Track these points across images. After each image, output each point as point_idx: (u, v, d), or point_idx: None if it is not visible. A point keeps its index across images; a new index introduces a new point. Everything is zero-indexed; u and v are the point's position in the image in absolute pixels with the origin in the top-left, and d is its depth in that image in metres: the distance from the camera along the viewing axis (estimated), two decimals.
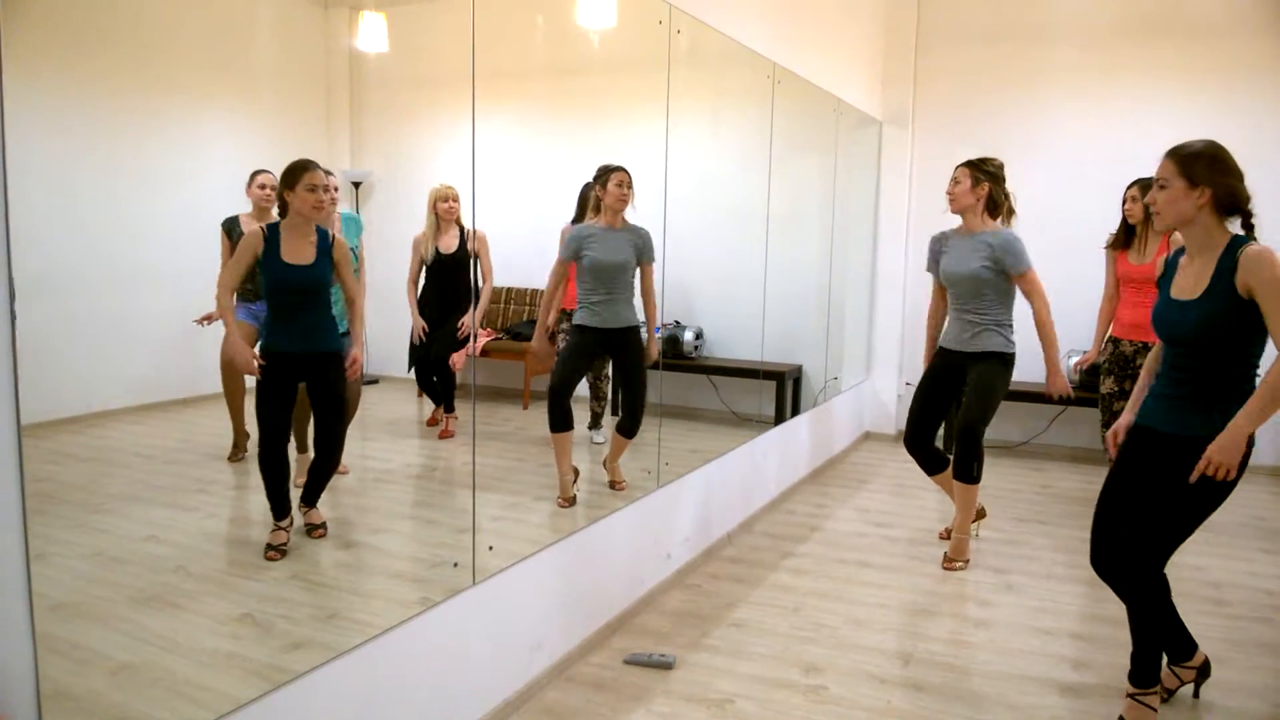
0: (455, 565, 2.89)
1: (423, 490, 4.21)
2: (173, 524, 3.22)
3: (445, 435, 4.39)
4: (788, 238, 5.67)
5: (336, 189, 3.48)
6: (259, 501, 3.16)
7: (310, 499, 3.26)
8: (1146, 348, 4.71)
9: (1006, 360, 4.26)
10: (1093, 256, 5.28)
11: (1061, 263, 5.95)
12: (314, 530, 3.26)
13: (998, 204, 4.28)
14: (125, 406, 3.14)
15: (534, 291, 5.57)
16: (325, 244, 3.11)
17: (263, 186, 3.28)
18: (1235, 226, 2.67)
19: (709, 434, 5.71)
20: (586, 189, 4.70)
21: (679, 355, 5.91)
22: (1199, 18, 6.12)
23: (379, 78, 4.35)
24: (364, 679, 2.45)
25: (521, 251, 5.36)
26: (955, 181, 4.27)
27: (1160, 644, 2.89)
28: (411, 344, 4.35)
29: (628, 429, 4.22)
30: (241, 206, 3.29)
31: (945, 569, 4.29)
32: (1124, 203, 4.80)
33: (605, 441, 4.97)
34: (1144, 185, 4.65)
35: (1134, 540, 2.76)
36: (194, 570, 2.99)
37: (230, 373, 3.27)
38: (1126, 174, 4.91)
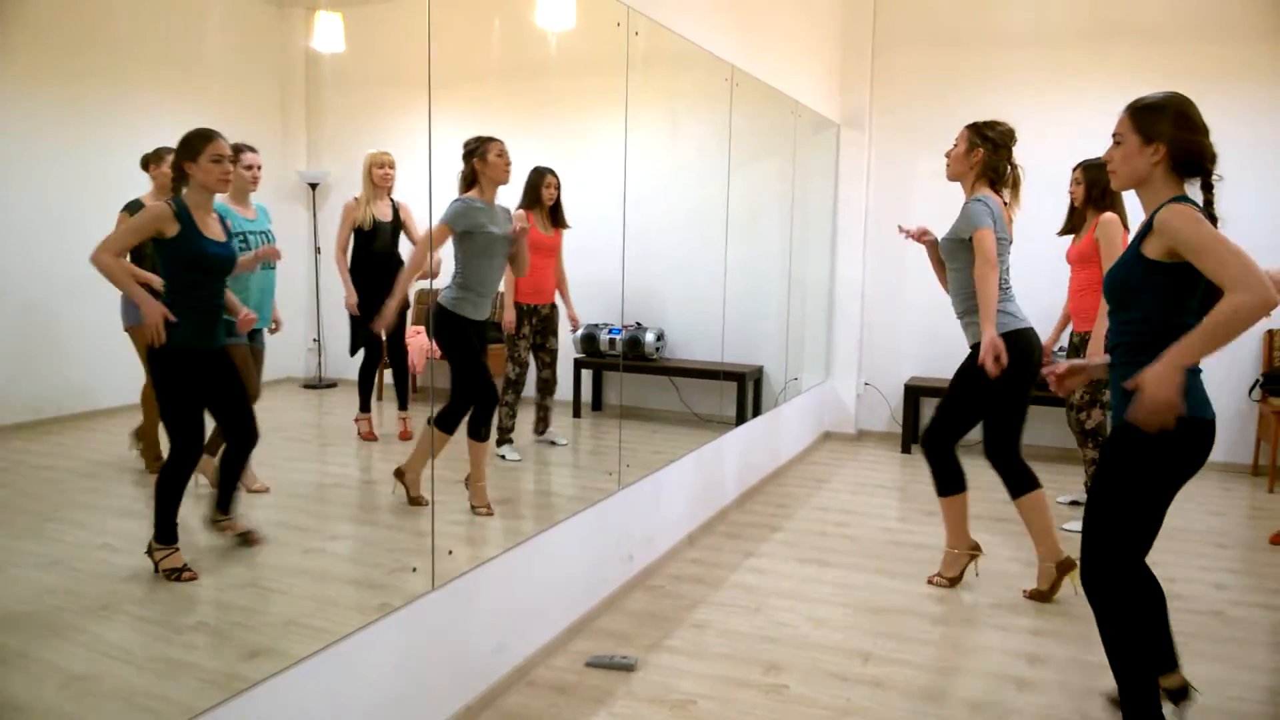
0: (414, 570, 2.87)
1: (382, 495, 4.18)
2: (127, 532, 3.17)
3: (405, 436, 4.35)
4: (747, 239, 5.71)
5: (260, 166, 3.35)
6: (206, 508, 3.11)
7: (226, 505, 3.03)
8: (1087, 338, 4.76)
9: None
10: (1047, 260, 5.37)
11: (1016, 265, 6.02)
12: (248, 537, 3.09)
13: (999, 174, 3.86)
14: (76, 413, 3.08)
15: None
16: (224, 223, 2.93)
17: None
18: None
19: (670, 435, 5.73)
20: (534, 174, 4.68)
21: (640, 356, 5.92)
22: (1151, 24, 6.24)
23: (335, 78, 4.31)
24: (322, 686, 2.43)
25: None
26: (955, 144, 3.90)
27: (1140, 672, 2.51)
28: (354, 320, 4.21)
29: (480, 432, 3.99)
30: None
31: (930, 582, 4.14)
32: (1070, 185, 4.85)
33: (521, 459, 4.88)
34: (1086, 167, 4.71)
35: (1085, 541, 2.55)
36: (149, 578, 2.94)
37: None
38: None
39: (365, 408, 4.28)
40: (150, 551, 2.81)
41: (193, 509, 3.04)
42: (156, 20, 3.18)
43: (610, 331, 5.73)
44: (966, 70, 6.75)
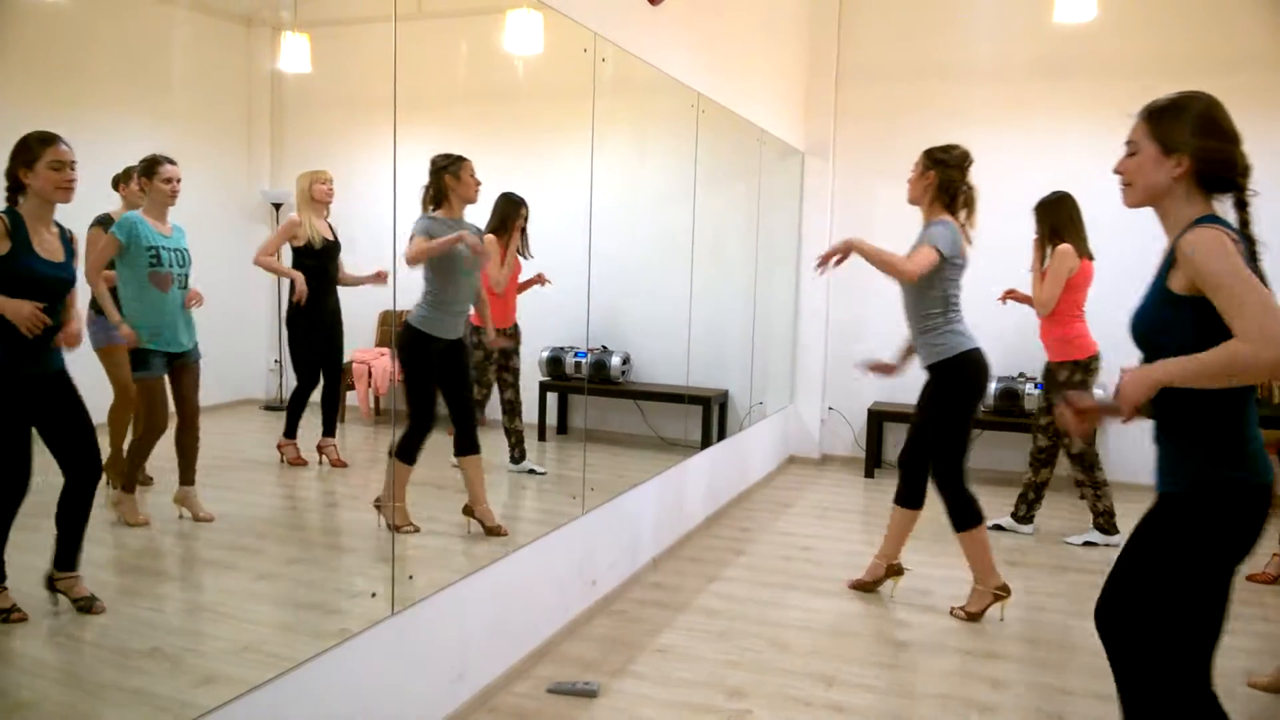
0: (374, 595, 2.83)
1: (342, 519, 4.13)
2: (82, 556, 3.10)
3: (338, 463, 4.25)
4: (713, 264, 5.74)
5: (179, 180, 3.19)
6: (166, 531, 3.06)
7: (70, 559, 2.65)
8: (1047, 367, 5.03)
9: (948, 368, 3.87)
10: (1000, 286, 5.49)
11: (974, 296, 6.09)
12: (90, 605, 2.69)
13: (954, 196, 3.91)
14: None
15: None
16: (68, 240, 2.69)
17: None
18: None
19: (635, 459, 5.72)
20: (507, 204, 4.66)
21: (606, 380, 5.91)
22: (1108, 60, 6.37)
23: (301, 99, 4.30)
24: (278, 713, 2.38)
25: None
26: (913, 169, 3.99)
27: None
28: (299, 335, 4.08)
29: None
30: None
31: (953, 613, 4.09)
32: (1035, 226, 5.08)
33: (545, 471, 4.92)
34: (1035, 207, 5.10)
35: (1129, 649, 2.13)
36: (99, 603, 2.88)
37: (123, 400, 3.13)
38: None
39: (291, 433, 4.15)
40: None
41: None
42: (121, 37, 3.16)
43: (576, 355, 5.73)
44: (928, 103, 6.85)
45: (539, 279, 4.87)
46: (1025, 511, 5.25)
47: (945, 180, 3.89)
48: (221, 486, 3.89)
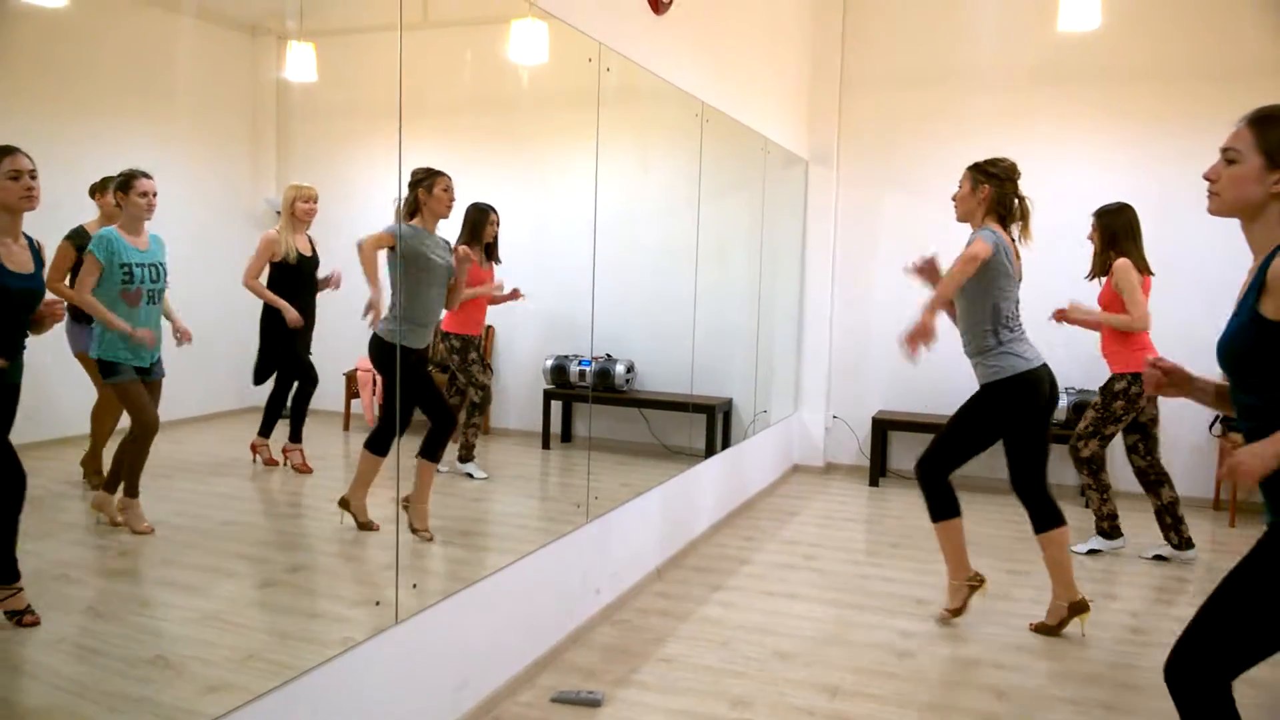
0: (377, 604, 2.83)
1: (344, 527, 4.13)
2: (81, 562, 3.11)
3: (304, 469, 4.19)
4: (717, 273, 5.74)
5: (155, 194, 3.17)
6: (169, 538, 3.06)
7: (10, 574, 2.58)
8: (1115, 380, 4.87)
9: (997, 390, 3.78)
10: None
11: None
12: (22, 617, 2.60)
13: (1008, 209, 3.81)
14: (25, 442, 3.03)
15: None
16: (36, 251, 2.63)
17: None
18: None
19: (639, 467, 5.71)
20: (476, 212, 4.67)
21: (610, 388, 5.91)
22: (1112, 68, 6.38)
23: (306, 107, 4.31)
24: None
25: None
26: (959, 186, 3.87)
27: None
28: (273, 346, 4.00)
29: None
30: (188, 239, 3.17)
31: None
32: (1089, 232, 4.96)
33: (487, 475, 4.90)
34: (1098, 214, 4.87)
35: (1188, 637, 2.21)
36: (104, 611, 2.89)
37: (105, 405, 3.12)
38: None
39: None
40: None
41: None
42: (127, 47, 3.17)
43: (580, 363, 5.73)
44: (932, 111, 6.87)
45: (514, 294, 4.81)
46: (1178, 539, 4.94)
47: (1000, 194, 3.79)
48: (225, 493, 3.90)
